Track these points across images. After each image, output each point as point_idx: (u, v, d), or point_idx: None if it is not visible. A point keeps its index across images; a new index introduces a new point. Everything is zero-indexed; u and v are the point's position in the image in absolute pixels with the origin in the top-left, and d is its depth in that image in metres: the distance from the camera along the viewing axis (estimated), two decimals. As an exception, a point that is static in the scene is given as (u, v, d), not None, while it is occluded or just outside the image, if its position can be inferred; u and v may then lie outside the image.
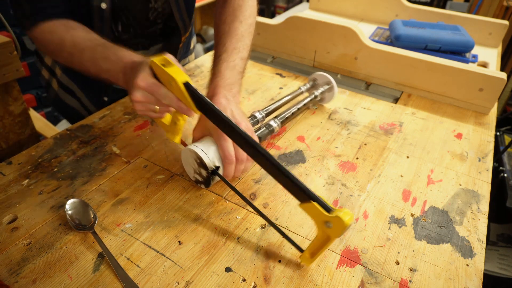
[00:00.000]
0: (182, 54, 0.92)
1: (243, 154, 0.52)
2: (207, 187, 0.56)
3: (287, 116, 0.68)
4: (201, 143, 0.54)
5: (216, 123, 0.49)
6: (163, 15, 0.77)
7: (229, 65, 0.60)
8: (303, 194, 0.42)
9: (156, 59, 0.48)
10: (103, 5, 0.65)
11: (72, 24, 0.61)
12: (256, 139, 0.56)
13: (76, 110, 0.91)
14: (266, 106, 0.70)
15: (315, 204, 0.41)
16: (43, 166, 0.60)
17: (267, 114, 0.69)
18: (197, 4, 2.39)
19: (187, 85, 0.47)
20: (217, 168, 0.53)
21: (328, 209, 0.40)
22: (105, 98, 0.83)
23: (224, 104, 0.54)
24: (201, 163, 0.53)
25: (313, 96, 0.75)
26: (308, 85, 0.78)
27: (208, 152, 0.53)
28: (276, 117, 0.67)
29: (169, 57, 0.49)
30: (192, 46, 0.99)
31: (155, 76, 0.50)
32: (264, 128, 0.64)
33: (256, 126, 0.66)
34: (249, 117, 0.65)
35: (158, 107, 0.52)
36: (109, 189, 0.56)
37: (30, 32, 0.62)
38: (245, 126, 0.54)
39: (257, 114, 0.67)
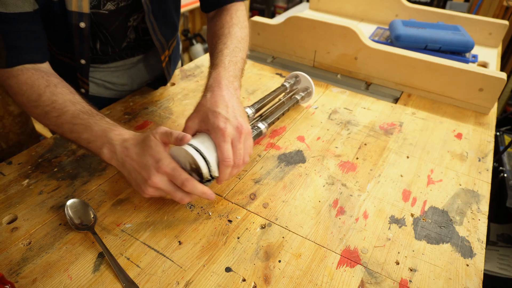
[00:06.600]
0: (171, 68, 0.87)
1: (239, 159, 0.50)
2: None
3: (273, 120, 0.68)
4: (200, 143, 0.49)
5: None
6: (142, 30, 0.74)
7: (232, 60, 0.58)
8: None
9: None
10: (82, 24, 0.61)
11: (54, 80, 0.55)
12: (251, 142, 0.53)
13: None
14: (254, 102, 0.71)
15: None
16: (43, 166, 0.60)
17: (256, 110, 0.70)
18: (197, 5, 2.39)
19: None
20: (213, 178, 0.49)
21: None
22: None
23: (227, 99, 0.51)
24: (196, 170, 0.48)
25: (295, 100, 0.76)
26: (291, 81, 0.79)
27: (209, 159, 0.48)
28: (263, 118, 0.67)
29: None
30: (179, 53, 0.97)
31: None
32: (254, 130, 0.64)
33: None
34: None
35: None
36: (109, 189, 0.56)
37: (4, 79, 0.54)
38: (247, 130, 0.51)
39: (248, 110, 0.67)
